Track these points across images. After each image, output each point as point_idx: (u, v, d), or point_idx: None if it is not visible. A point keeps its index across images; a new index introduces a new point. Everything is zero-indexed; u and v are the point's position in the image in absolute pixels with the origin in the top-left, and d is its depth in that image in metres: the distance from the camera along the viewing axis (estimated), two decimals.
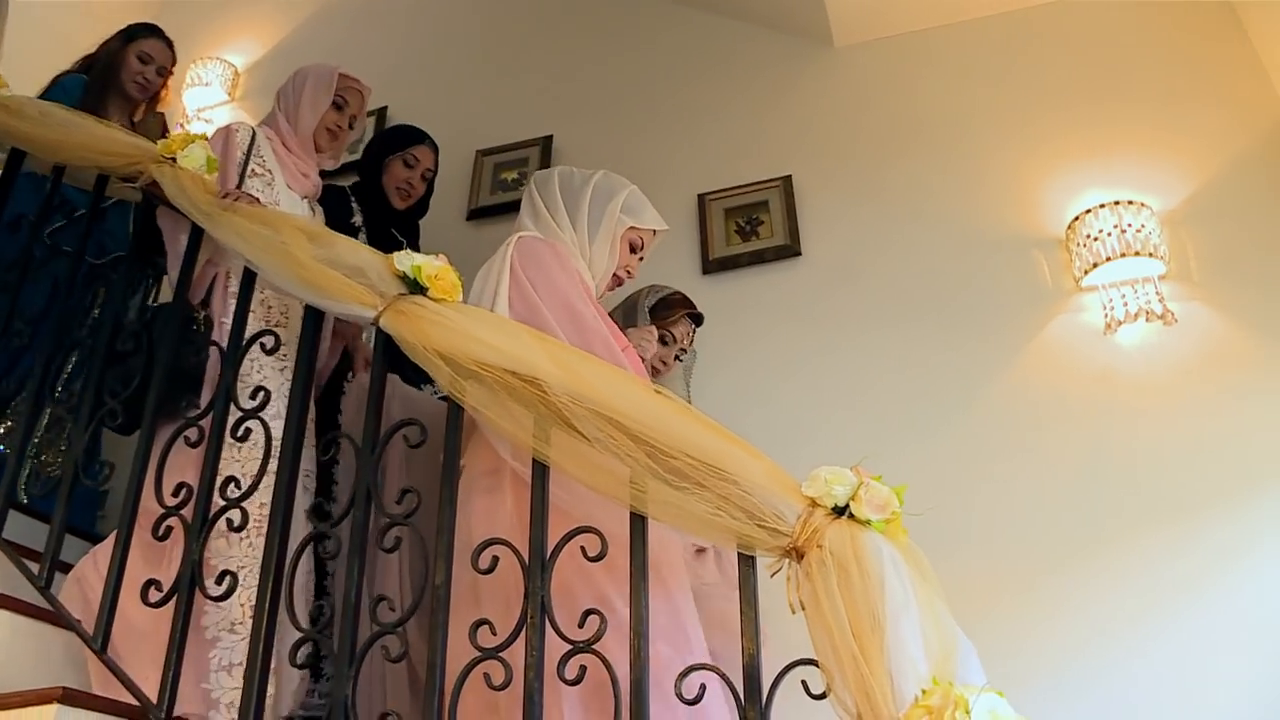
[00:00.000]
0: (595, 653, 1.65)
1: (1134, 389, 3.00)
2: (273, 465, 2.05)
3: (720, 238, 3.61)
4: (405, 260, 2.01)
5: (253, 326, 2.26)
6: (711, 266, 3.57)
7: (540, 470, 1.79)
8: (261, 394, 2.10)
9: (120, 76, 3.38)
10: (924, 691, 1.30)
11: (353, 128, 3.06)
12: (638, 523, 1.68)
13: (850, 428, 3.17)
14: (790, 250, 3.49)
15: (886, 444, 3.03)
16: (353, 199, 3.27)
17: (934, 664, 1.37)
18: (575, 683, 1.67)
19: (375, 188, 3.31)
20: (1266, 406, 2.88)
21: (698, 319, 3.12)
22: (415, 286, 2.00)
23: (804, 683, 1.50)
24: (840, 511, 1.51)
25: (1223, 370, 2.97)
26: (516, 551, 1.76)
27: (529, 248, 2.40)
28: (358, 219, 3.23)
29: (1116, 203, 3.10)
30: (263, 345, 2.18)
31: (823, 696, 1.45)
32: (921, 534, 1.61)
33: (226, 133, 2.73)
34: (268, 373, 2.39)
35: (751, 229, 3.60)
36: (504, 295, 2.28)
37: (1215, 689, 2.58)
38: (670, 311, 3.05)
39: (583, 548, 1.80)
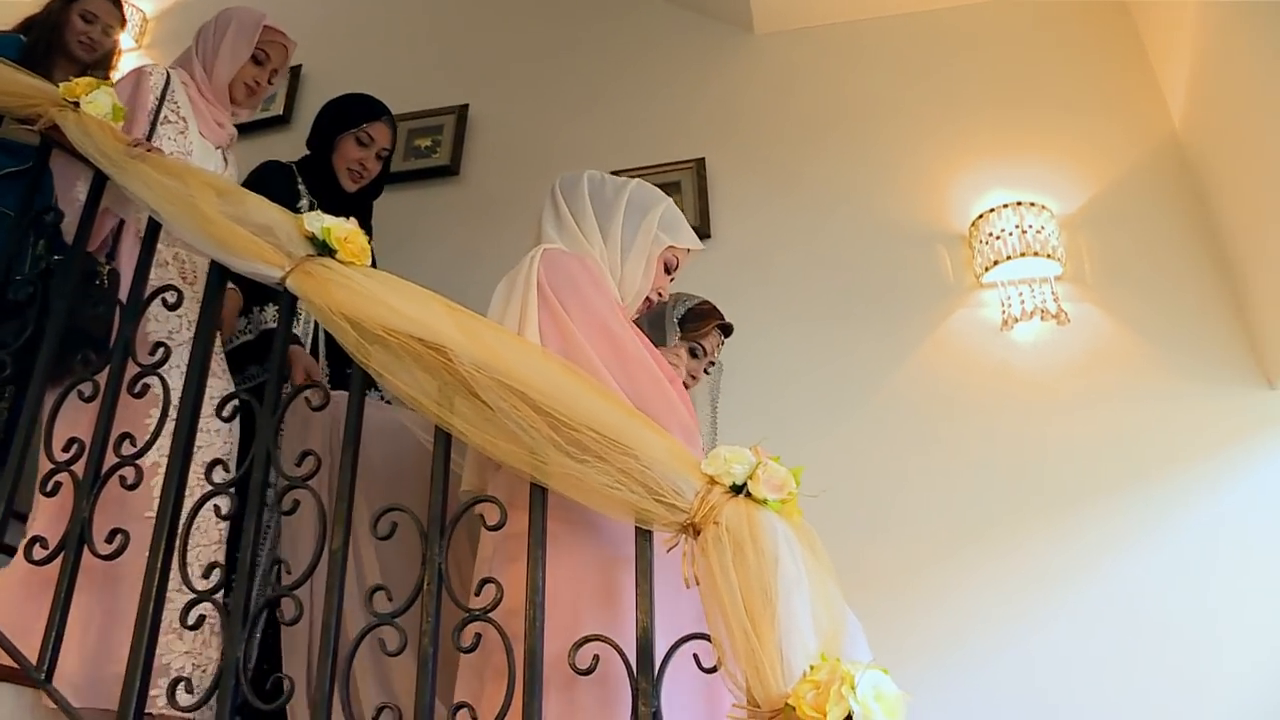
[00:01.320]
0: (490, 621, 1.66)
1: (1027, 384, 3.11)
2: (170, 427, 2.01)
3: None
4: (315, 221, 1.99)
5: (162, 281, 2.20)
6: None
7: (443, 438, 1.79)
8: (161, 350, 2.06)
9: (64, 36, 3.19)
10: (812, 667, 1.32)
11: (272, 83, 2.89)
12: (537, 493, 1.69)
13: (753, 409, 3.22)
14: (700, 233, 3.51)
15: (789, 426, 3.10)
16: (299, 179, 3.03)
17: (823, 640, 1.40)
18: (470, 650, 1.68)
19: (324, 167, 3.07)
20: (1148, 407, 3.00)
21: (727, 329, 2.93)
22: (324, 248, 1.97)
23: (695, 656, 1.54)
24: (738, 490, 1.54)
25: (1109, 370, 3.08)
26: (417, 520, 1.76)
27: (557, 262, 2.13)
28: (304, 202, 2.98)
29: (1019, 203, 3.19)
30: (165, 300, 2.13)
31: (714, 670, 1.48)
32: (820, 514, 1.65)
33: (139, 76, 2.61)
34: (175, 331, 2.33)
35: None
36: (533, 320, 2.02)
37: (1091, 673, 2.69)
38: (701, 323, 2.86)
39: (481, 516, 1.82)
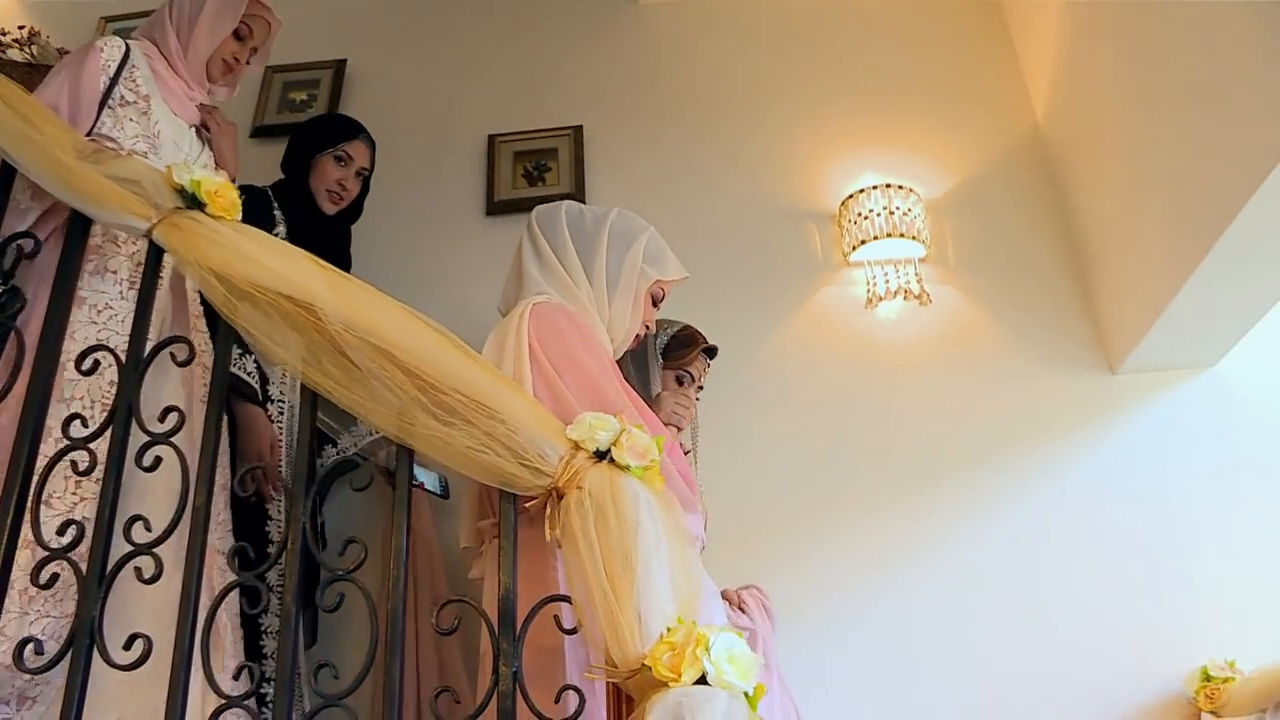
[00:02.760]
0: (354, 581, 1.67)
1: (887, 361, 3.21)
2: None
3: (507, 180, 3.62)
4: (184, 173, 1.94)
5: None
6: (496, 208, 3.57)
7: (309, 397, 1.78)
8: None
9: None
10: (669, 629, 1.35)
11: (250, 63, 2.67)
12: (404, 454, 1.71)
13: None
14: (575, 199, 3.51)
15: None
16: (275, 203, 2.88)
17: (680, 604, 1.44)
18: (333, 610, 1.69)
19: (301, 189, 2.95)
20: (999, 387, 3.14)
21: (711, 352, 2.88)
22: (193, 201, 1.92)
23: (556, 618, 1.57)
24: (602, 456, 1.57)
25: (965, 351, 3.21)
26: (282, 481, 1.76)
27: (546, 319, 2.07)
28: (281, 229, 2.84)
29: (888, 186, 3.29)
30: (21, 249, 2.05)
31: (574, 631, 1.52)
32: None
33: (85, 53, 2.35)
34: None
35: (539, 174, 3.63)
36: (527, 384, 1.96)
37: (938, 637, 2.81)
38: (685, 350, 2.80)
39: (350, 479, 1.83)
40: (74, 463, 1.88)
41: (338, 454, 2.72)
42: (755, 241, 3.43)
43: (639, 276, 2.25)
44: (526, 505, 1.64)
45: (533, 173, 3.64)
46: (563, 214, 2.31)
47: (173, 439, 1.80)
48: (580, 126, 3.68)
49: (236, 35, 2.58)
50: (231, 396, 2.37)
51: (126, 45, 2.42)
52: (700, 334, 2.84)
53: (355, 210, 3.08)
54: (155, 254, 1.94)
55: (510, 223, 3.53)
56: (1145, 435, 3.08)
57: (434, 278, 3.14)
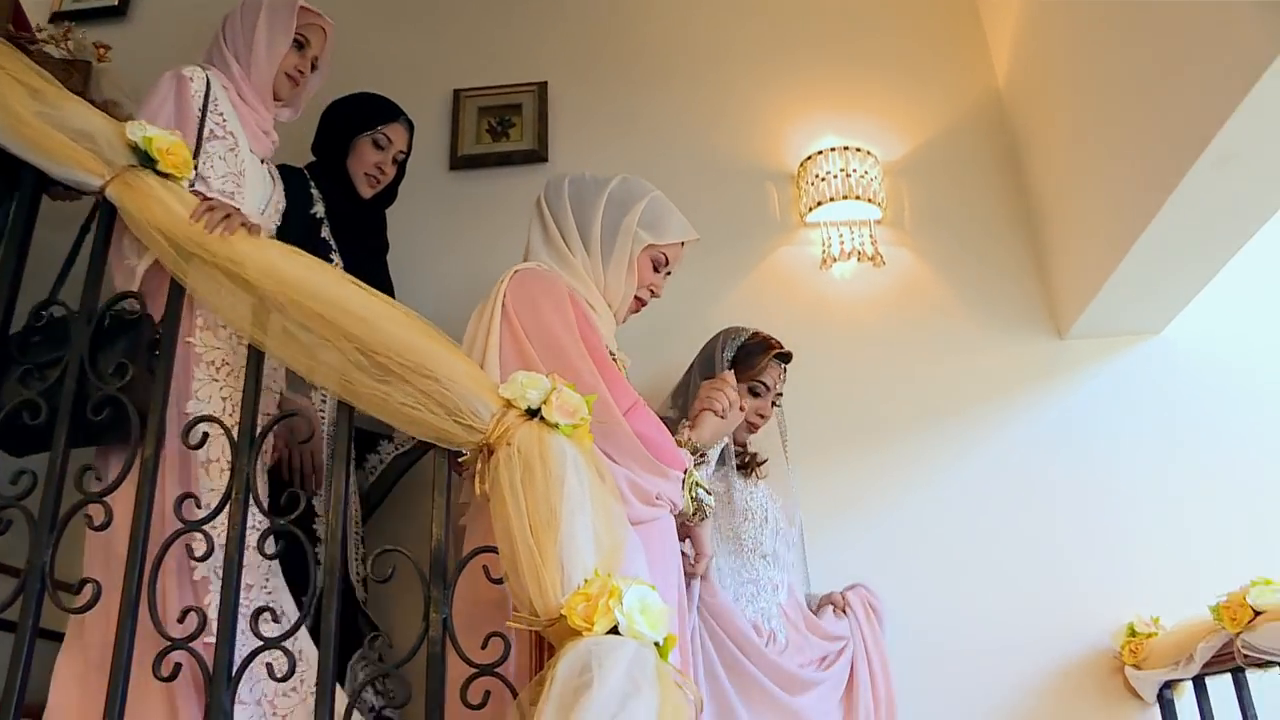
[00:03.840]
0: (293, 530, 1.73)
1: (841, 322, 3.27)
2: None
3: (471, 135, 3.63)
4: (138, 130, 1.98)
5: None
6: (459, 163, 3.58)
7: (255, 356, 1.83)
8: None
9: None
10: (586, 581, 1.42)
11: (315, 69, 2.61)
12: (344, 411, 1.76)
13: None
14: (538, 155, 3.55)
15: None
16: (311, 183, 2.82)
17: (602, 558, 1.50)
18: (274, 557, 1.76)
19: (338, 170, 2.89)
20: (950, 349, 3.20)
21: (786, 357, 2.79)
22: (146, 159, 1.97)
23: (485, 568, 1.64)
24: (533, 414, 1.63)
25: (918, 312, 3.27)
26: (227, 431, 1.81)
27: (521, 285, 2.14)
28: (319, 208, 2.80)
29: (846, 148, 3.32)
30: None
31: (500, 581, 1.58)
32: None
33: (177, 82, 2.31)
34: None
35: (503, 130, 3.65)
36: (495, 340, 2.05)
37: (883, 593, 2.85)
38: (755, 359, 2.72)
39: (291, 430, 1.89)
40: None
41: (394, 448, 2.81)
42: (715, 200, 3.47)
43: (634, 242, 2.29)
44: (460, 461, 1.70)
45: (497, 128, 3.66)
46: (566, 183, 2.36)
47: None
48: (545, 83, 3.70)
49: (296, 45, 2.53)
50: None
51: (207, 76, 2.37)
52: (771, 339, 2.76)
53: (391, 194, 3.06)
54: (108, 211, 1.98)
55: (473, 178, 3.56)
56: (1090, 399, 3.15)
57: (396, 231, 3.15)
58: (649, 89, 3.70)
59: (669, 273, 2.43)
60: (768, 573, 2.62)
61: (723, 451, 2.49)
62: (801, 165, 3.39)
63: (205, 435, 1.86)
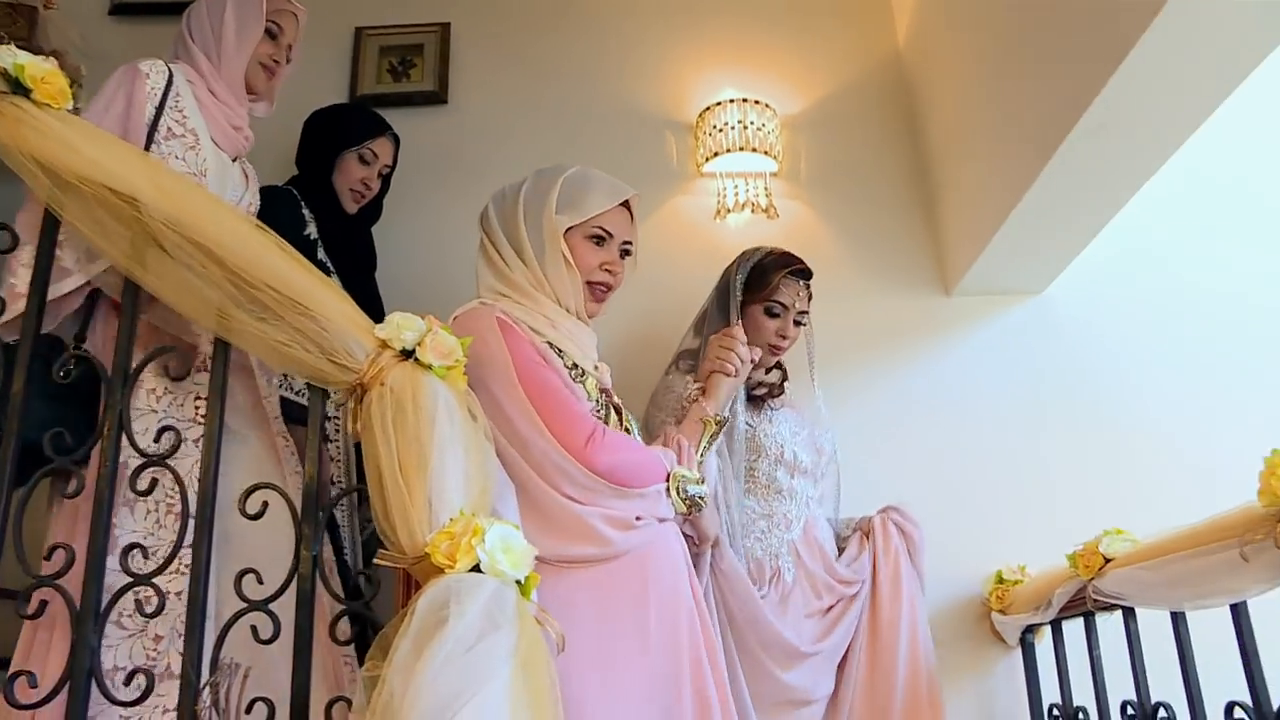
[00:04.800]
0: (167, 467, 1.73)
1: None
2: None
3: (371, 75, 3.58)
4: (7, 56, 1.90)
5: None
6: (358, 102, 3.52)
7: (131, 289, 1.81)
8: None
9: None
10: (452, 520, 1.44)
11: (289, 59, 2.49)
12: (221, 348, 1.75)
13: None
14: (438, 97, 3.53)
15: None
16: (303, 204, 2.75)
17: (470, 499, 1.52)
18: (146, 493, 1.75)
19: (324, 187, 2.82)
20: (841, 302, 3.24)
21: (805, 273, 2.67)
22: (18, 87, 1.90)
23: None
24: (407, 355, 1.63)
25: (811, 266, 3.30)
26: (101, 368, 1.79)
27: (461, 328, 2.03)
28: (311, 229, 2.72)
29: (745, 100, 3.34)
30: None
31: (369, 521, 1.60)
32: None
33: (132, 76, 2.19)
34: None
35: (404, 70, 3.60)
36: None
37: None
38: (768, 278, 2.60)
39: (167, 367, 1.87)
40: None
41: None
42: (615, 147, 3.48)
43: (557, 232, 2.15)
44: (333, 399, 1.70)
45: (398, 68, 3.61)
46: (490, 204, 2.26)
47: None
48: (448, 24, 3.66)
49: (269, 34, 2.41)
50: (288, 423, 2.30)
51: (169, 69, 2.25)
52: (785, 255, 2.65)
53: (376, 209, 3.00)
54: None
55: None
56: (972, 355, 3.24)
57: (291, 172, 3.11)
58: (552, 34, 3.68)
59: (627, 245, 2.27)
60: (782, 508, 2.57)
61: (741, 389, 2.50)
62: (700, 116, 3.41)
63: None
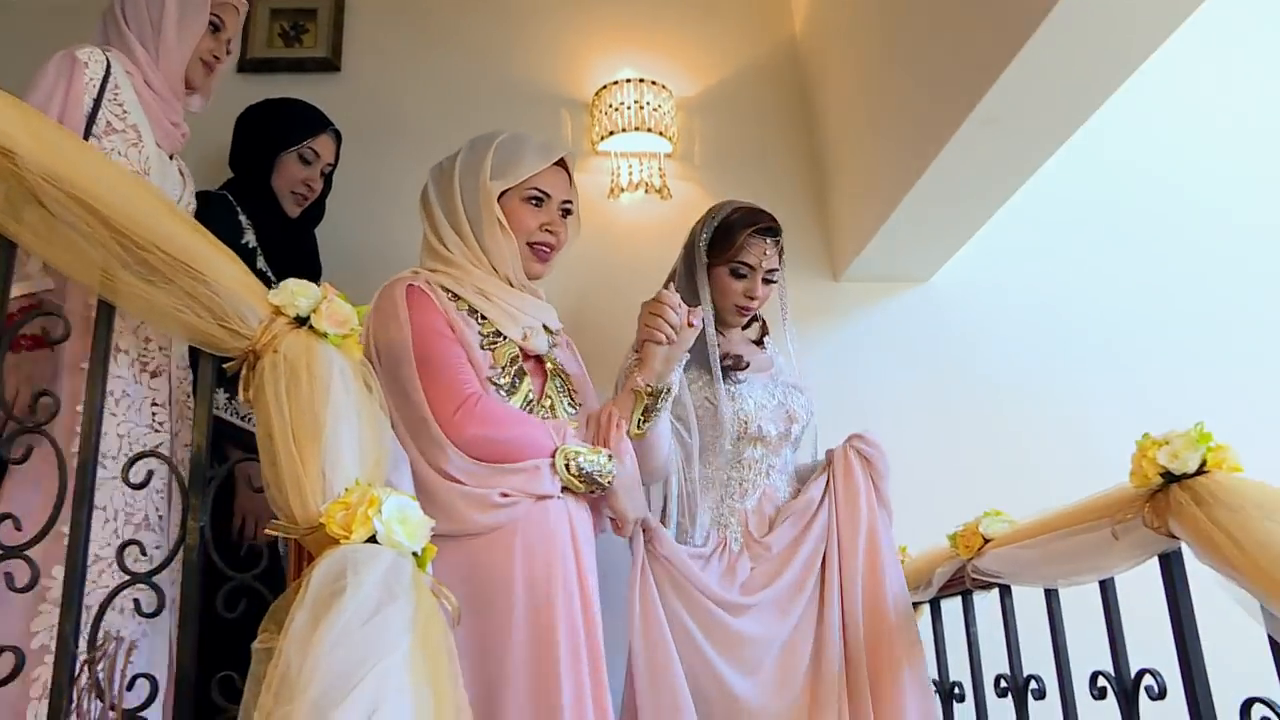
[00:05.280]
0: (44, 434, 1.66)
1: (625, 250, 3.32)
2: None
3: (262, 39, 3.50)
4: None
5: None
6: (248, 65, 3.45)
7: (5, 245, 1.73)
8: None
9: None
10: (347, 490, 1.41)
11: (229, 52, 2.36)
12: (104, 310, 1.69)
13: (377, 233, 3.25)
14: (331, 64, 3.46)
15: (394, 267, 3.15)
16: (238, 209, 2.61)
17: (365, 470, 1.49)
18: (20, 461, 1.68)
19: (262, 189, 2.69)
20: None
21: (771, 230, 2.51)
22: None
23: (249, 476, 1.61)
24: (302, 322, 1.60)
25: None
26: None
27: (375, 304, 2.09)
28: (249, 237, 2.60)
29: (642, 80, 3.35)
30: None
31: (261, 490, 1.56)
32: None
33: (70, 63, 2.04)
34: None
35: (296, 35, 3.52)
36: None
37: None
38: (731, 238, 2.46)
39: (45, 329, 1.80)
40: None
41: None
42: (510, 122, 3.33)
43: (491, 199, 2.15)
44: (225, 366, 1.66)
45: (289, 32, 3.53)
46: (429, 179, 2.25)
47: None
48: None
49: (212, 27, 2.27)
50: (227, 446, 2.26)
51: (107, 59, 2.09)
52: (751, 212, 2.51)
53: (319, 210, 2.88)
54: None
55: (262, 82, 3.40)
56: (858, 341, 3.32)
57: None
58: (450, 4, 3.63)
59: (567, 204, 2.27)
60: (739, 475, 2.46)
61: (705, 360, 2.42)
62: (597, 94, 3.41)
63: None
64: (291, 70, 3.43)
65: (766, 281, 2.51)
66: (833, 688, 2.23)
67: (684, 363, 2.28)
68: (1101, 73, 2.32)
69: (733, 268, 2.47)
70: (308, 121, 2.79)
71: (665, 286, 2.53)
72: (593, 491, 2.07)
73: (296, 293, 1.60)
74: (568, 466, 2.02)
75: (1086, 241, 3.53)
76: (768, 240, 2.49)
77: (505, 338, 2.14)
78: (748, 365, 2.53)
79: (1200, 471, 1.77)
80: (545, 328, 2.26)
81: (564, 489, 2.03)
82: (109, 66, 2.09)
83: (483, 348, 2.08)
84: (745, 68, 3.65)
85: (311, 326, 1.59)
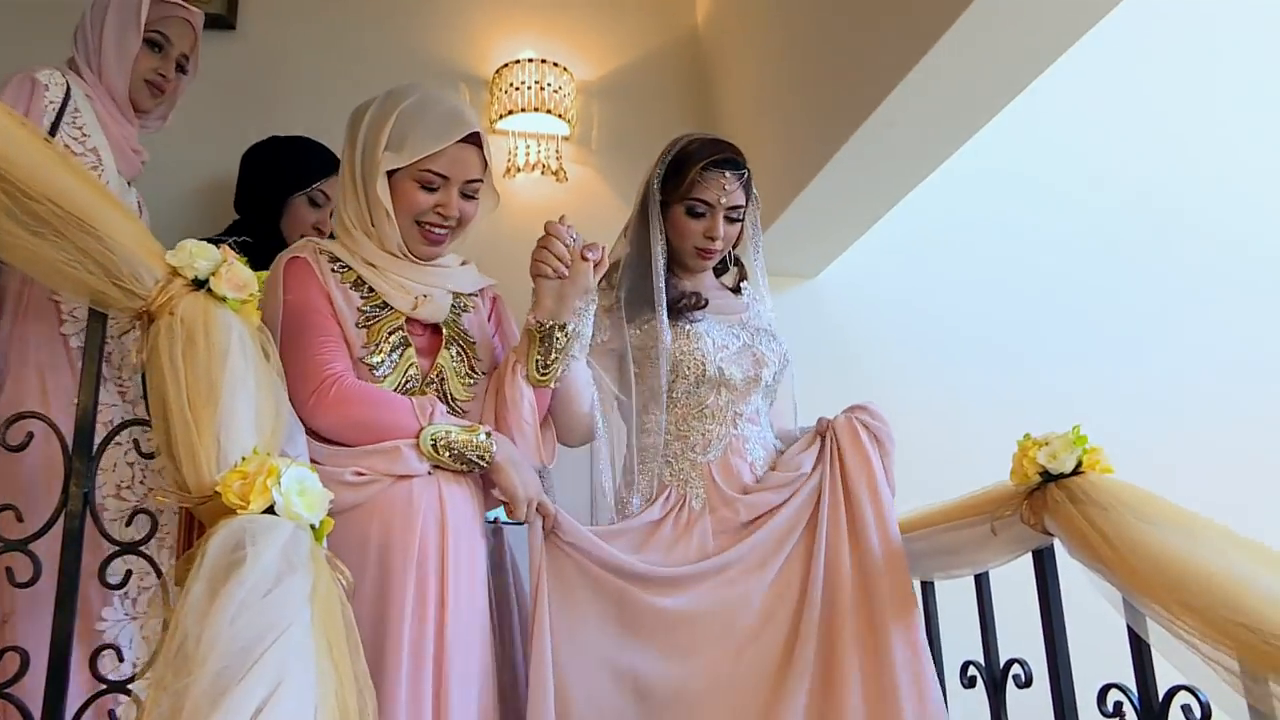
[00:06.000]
0: None
1: (518, 231, 3.24)
2: None
3: None
4: None
5: None
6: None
7: None
8: None
9: None
10: (244, 459, 1.38)
11: (185, 71, 2.22)
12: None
13: None
14: (225, 22, 3.33)
15: None
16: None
17: (262, 438, 1.46)
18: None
19: (272, 233, 2.57)
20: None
21: (729, 163, 2.20)
22: None
23: (136, 441, 1.56)
24: (200, 284, 1.55)
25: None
26: None
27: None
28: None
29: (543, 61, 3.34)
30: None
31: (152, 456, 1.52)
32: None
33: (30, 85, 1.95)
34: None
35: None
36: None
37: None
38: (682, 175, 2.18)
39: None
40: None
41: None
42: None
43: (380, 172, 1.94)
44: (121, 334, 1.60)
45: None
46: (349, 120, 2.05)
47: None
48: None
49: (152, 46, 2.15)
50: None
51: (66, 81, 2.00)
52: (706, 143, 2.23)
53: None
54: None
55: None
56: None
57: None
58: None
59: (472, 184, 2.04)
60: (701, 427, 2.17)
61: (645, 296, 2.17)
62: (497, 72, 3.38)
63: None
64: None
65: (730, 220, 2.23)
66: (803, 675, 1.92)
67: (592, 306, 2.06)
68: (1005, 79, 2.38)
69: (689, 205, 2.19)
70: (319, 163, 2.70)
71: (623, 231, 2.34)
72: (472, 469, 1.91)
73: (196, 254, 1.55)
74: (435, 445, 1.86)
75: (968, 243, 3.63)
76: (726, 174, 2.19)
77: (389, 309, 1.99)
78: (705, 304, 2.24)
79: (1076, 472, 1.85)
80: (456, 294, 2.11)
81: (438, 466, 1.88)
82: (69, 89, 2.01)
83: (359, 325, 1.95)
84: (647, 56, 3.66)
85: (210, 290, 1.55)
